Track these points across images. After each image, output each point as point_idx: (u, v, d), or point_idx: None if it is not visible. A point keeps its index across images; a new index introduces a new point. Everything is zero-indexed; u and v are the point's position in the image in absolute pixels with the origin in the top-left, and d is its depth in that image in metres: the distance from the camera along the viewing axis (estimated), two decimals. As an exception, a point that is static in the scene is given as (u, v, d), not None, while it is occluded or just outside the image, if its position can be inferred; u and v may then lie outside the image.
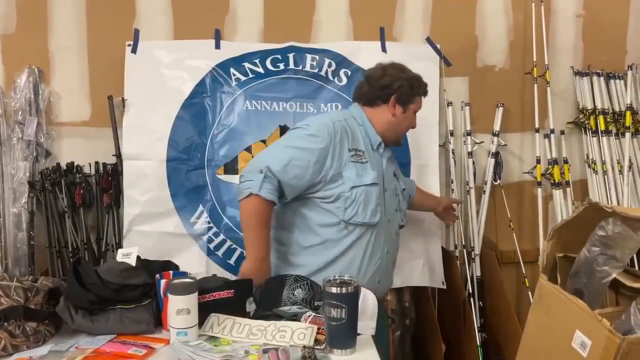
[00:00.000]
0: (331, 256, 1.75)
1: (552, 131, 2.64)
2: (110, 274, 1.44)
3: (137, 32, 2.46)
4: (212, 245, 2.38)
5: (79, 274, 1.43)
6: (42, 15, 2.45)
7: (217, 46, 2.49)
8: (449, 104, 2.68)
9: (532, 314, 1.22)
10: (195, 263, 2.33)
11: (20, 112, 2.38)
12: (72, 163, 2.43)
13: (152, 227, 2.35)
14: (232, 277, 2.28)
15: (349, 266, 1.75)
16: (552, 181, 2.65)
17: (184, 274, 1.50)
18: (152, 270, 1.52)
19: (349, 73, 2.54)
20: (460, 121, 2.70)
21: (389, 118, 1.89)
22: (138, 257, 1.52)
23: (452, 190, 2.67)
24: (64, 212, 2.37)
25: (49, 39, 2.47)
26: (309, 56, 2.49)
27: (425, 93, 1.97)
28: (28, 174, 2.37)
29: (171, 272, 1.52)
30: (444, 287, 2.54)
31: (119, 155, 2.41)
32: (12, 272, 2.35)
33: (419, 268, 2.49)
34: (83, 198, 2.39)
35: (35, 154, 2.39)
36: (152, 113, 2.39)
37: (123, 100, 2.39)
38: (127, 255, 1.49)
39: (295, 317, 1.43)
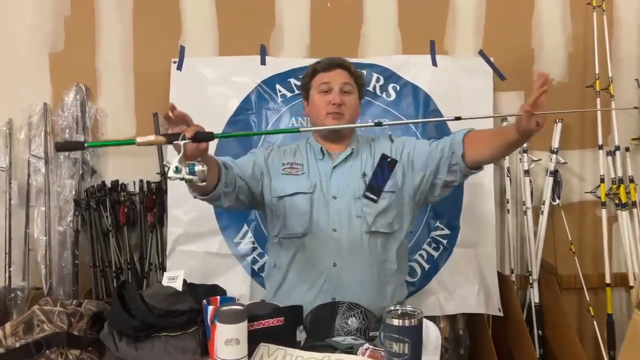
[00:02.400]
0: (280, 277, 1.70)
1: (617, 148, 2.47)
2: (155, 298, 1.36)
3: (182, 49, 2.44)
4: (256, 267, 2.31)
5: (124, 298, 1.36)
6: (90, 34, 2.48)
7: (263, 62, 2.45)
8: (504, 120, 2.54)
9: (626, 353, 1.08)
10: (239, 284, 2.27)
11: (67, 130, 2.40)
12: (117, 181, 2.43)
13: (195, 247, 2.30)
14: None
15: (294, 283, 1.67)
16: (617, 202, 2.47)
17: (232, 300, 1.42)
18: (198, 294, 1.44)
19: (398, 88, 2.45)
20: (516, 138, 2.56)
21: (309, 119, 1.85)
22: (184, 280, 1.45)
23: (508, 210, 2.53)
24: (108, 231, 2.36)
25: (97, 57, 2.49)
26: (355, 71, 2.43)
27: (321, 67, 1.78)
28: (74, 192, 2.38)
29: (218, 297, 1.43)
30: (501, 314, 2.39)
31: (163, 173, 2.38)
32: (56, 291, 2.35)
33: (474, 294, 2.35)
34: (127, 217, 2.38)
35: (81, 172, 2.40)
36: (197, 130, 2.35)
37: (168, 117, 2.36)
38: (173, 279, 1.42)
39: (350, 349, 1.32)
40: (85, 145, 1.27)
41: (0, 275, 2.38)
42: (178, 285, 1.40)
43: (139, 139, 1.24)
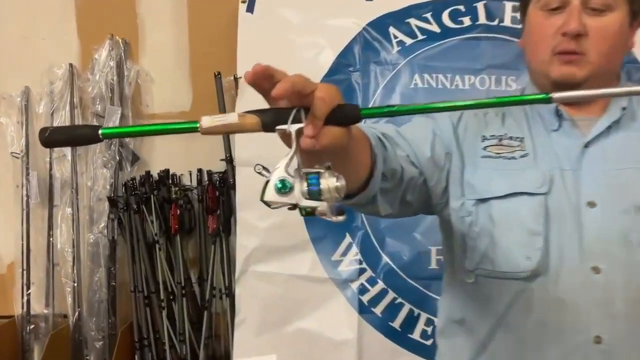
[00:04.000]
0: (473, 345, 0.98)
1: None
2: None
3: (255, -18, 1.95)
4: (365, 298, 1.71)
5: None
6: (129, -33, 2.04)
7: (370, -4, 1.94)
8: None
9: None
10: (341, 324, 1.73)
11: (98, 100, 1.97)
12: (167, 171, 1.98)
13: (276, 267, 1.77)
14: (401, 351, 1.56)
15: None
16: None
17: None
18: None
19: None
20: None
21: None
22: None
23: None
24: (155, 242, 1.90)
25: (138, 0, 2.05)
26: (509, 5, 1.84)
27: None
28: (108, 187, 1.93)
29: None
30: None
31: (230, 160, 1.91)
32: (86, 323, 1.92)
33: None
34: (181, 221, 1.92)
35: (118, 158, 1.96)
36: (276, 97, 1.77)
37: (235, 79, 1.86)
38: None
39: None
40: (100, 133, 0.56)
41: (17, 299, 1.96)
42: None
43: (205, 121, 0.57)
